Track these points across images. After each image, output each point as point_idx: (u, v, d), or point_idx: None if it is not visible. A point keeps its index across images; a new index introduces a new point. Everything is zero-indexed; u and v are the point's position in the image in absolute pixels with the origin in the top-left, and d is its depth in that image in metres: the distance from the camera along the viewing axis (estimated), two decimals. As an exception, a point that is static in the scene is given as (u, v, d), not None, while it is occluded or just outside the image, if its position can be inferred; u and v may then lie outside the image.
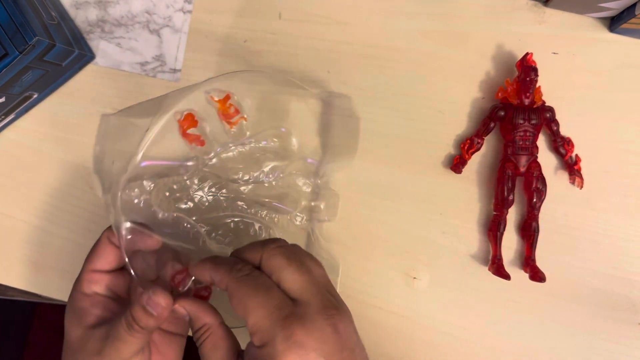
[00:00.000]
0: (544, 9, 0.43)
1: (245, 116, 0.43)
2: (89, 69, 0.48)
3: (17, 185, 0.49)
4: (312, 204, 0.44)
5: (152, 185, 0.42)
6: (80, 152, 0.48)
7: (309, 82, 0.45)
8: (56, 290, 0.48)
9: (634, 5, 0.39)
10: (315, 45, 0.45)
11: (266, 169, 0.43)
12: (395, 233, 0.44)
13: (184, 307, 0.34)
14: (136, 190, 0.41)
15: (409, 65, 0.44)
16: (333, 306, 0.31)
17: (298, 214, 0.44)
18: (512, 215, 0.43)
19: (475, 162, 0.44)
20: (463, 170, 0.43)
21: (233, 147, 0.43)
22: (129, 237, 0.37)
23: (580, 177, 0.42)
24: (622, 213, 0.42)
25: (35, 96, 0.47)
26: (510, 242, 0.43)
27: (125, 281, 0.39)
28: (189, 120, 0.42)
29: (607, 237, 0.42)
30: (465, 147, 0.42)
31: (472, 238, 0.43)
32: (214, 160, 0.43)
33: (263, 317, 0.30)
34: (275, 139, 0.44)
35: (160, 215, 0.42)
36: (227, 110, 0.42)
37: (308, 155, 0.44)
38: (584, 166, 0.42)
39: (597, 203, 0.42)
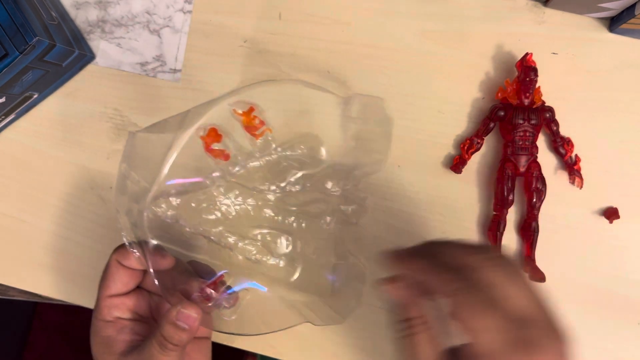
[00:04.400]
0: (543, 9, 0.43)
1: (270, 127, 0.42)
2: (89, 69, 0.48)
3: (17, 186, 0.49)
4: (342, 207, 0.43)
5: (179, 201, 0.41)
6: (80, 152, 0.48)
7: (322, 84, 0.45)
8: (58, 290, 0.48)
9: (633, 5, 0.39)
10: (315, 45, 0.45)
11: (293, 179, 0.42)
12: (395, 233, 0.44)
13: (397, 292, 0.31)
14: (163, 206, 0.40)
15: (409, 65, 0.44)
16: (559, 326, 0.29)
17: (326, 217, 0.43)
18: (512, 215, 0.43)
19: (475, 162, 0.44)
20: (463, 170, 0.43)
21: (259, 156, 0.42)
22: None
23: (580, 177, 0.42)
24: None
25: (35, 96, 0.47)
26: (510, 242, 0.43)
27: (145, 300, 0.39)
28: (213, 135, 0.41)
29: (607, 237, 0.42)
30: (465, 147, 0.42)
31: (472, 238, 0.43)
32: (239, 169, 0.42)
33: (493, 340, 0.27)
34: (302, 147, 0.43)
35: (187, 229, 0.41)
36: (252, 122, 0.41)
37: (337, 160, 0.43)
38: (584, 166, 0.42)
39: (597, 203, 0.42)
